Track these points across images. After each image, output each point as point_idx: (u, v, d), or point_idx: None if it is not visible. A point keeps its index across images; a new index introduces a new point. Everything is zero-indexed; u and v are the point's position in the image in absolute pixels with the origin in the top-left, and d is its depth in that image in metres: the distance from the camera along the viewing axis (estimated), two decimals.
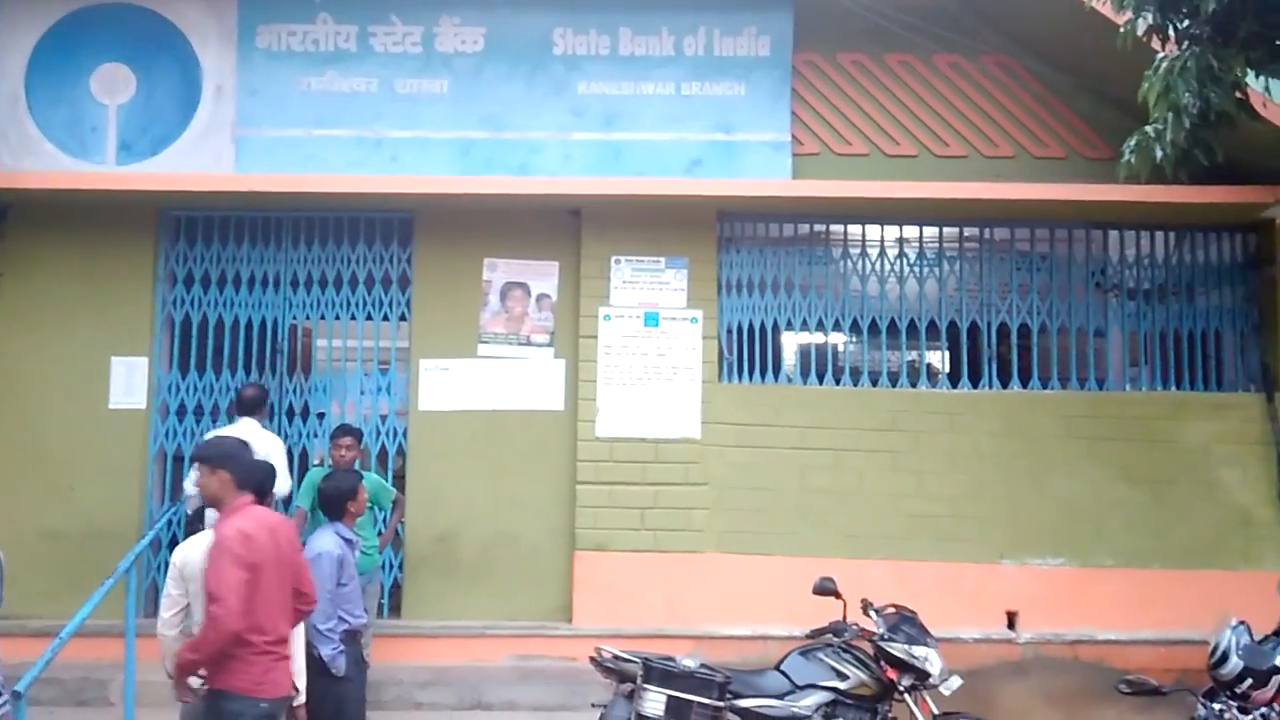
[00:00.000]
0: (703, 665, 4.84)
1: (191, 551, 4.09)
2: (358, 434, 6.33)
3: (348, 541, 4.99)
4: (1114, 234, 7.29)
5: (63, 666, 5.60)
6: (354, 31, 7.18)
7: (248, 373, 7.19)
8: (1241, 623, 4.20)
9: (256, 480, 4.12)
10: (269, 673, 3.86)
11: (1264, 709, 4.05)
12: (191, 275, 7.27)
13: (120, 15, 7.16)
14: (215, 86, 7.15)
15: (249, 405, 6.40)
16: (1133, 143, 5.40)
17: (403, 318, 7.30)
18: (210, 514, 6.23)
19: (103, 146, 7.14)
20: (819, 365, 7.19)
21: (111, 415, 6.98)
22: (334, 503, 5.01)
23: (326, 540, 4.89)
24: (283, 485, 6.07)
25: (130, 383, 7.07)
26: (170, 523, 6.83)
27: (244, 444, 4.21)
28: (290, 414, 7.23)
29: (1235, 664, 4.07)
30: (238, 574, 3.75)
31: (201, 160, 7.09)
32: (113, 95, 7.17)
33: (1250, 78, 5.34)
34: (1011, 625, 6.79)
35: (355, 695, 4.83)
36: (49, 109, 7.12)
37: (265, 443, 6.09)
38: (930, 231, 7.27)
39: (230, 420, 6.64)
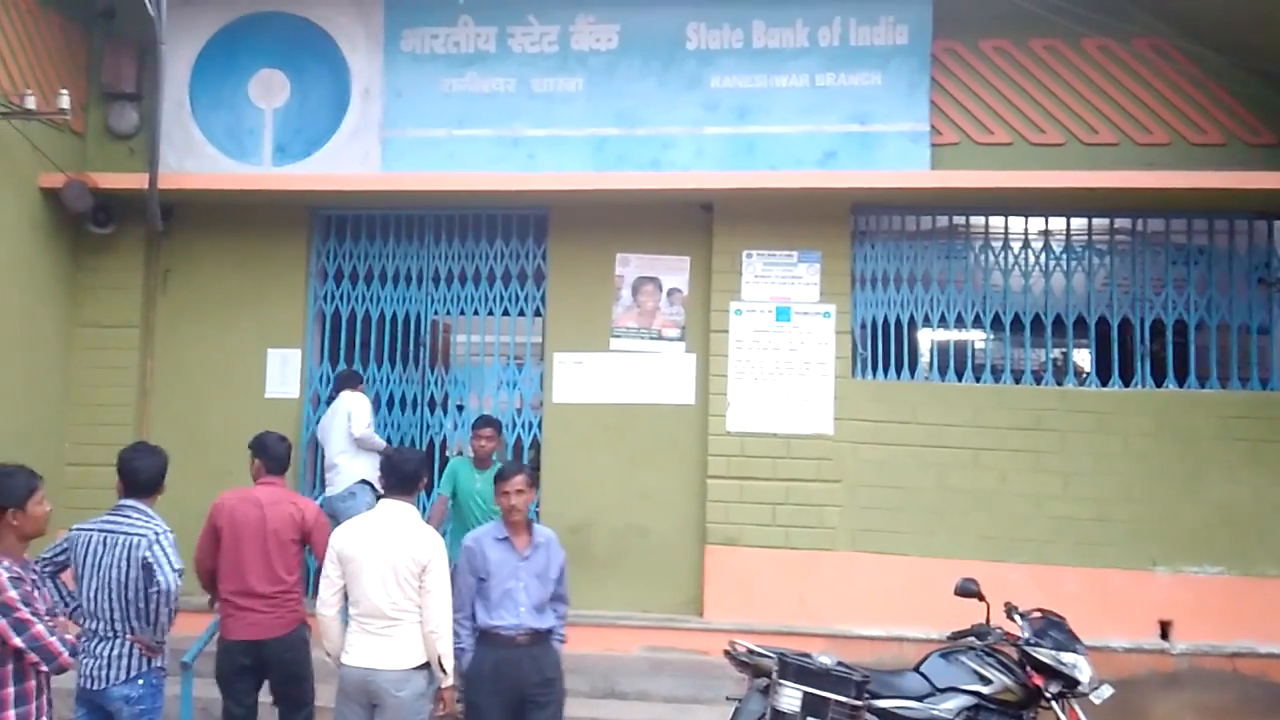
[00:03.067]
0: (840, 663, 4.77)
1: (348, 534, 4.28)
2: (498, 425, 6.52)
3: (502, 540, 4.45)
4: None
5: None
6: (493, 33, 7.35)
7: (392, 365, 7.48)
8: None
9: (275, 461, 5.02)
10: (228, 618, 4.81)
11: None
12: (341, 271, 7.59)
13: (276, 23, 7.51)
14: (363, 89, 7.44)
15: (343, 381, 7.07)
16: None
17: (537, 312, 7.44)
18: (364, 494, 6.60)
19: (260, 148, 7.51)
20: (957, 362, 6.99)
21: (267, 404, 7.34)
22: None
23: (470, 535, 4.61)
24: (357, 426, 6.73)
25: (285, 373, 7.44)
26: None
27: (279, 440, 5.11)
28: (431, 405, 7.47)
29: None
30: (204, 532, 4.91)
31: (350, 160, 7.39)
32: (269, 99, 7.54)
33: None
34: (1165, 635, 6.47)
35: (471, 700, 4.31)
36: (211, 113, 7.54)
37: (348, 401, 6.86)
38: (1078, 223, 6.99)
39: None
